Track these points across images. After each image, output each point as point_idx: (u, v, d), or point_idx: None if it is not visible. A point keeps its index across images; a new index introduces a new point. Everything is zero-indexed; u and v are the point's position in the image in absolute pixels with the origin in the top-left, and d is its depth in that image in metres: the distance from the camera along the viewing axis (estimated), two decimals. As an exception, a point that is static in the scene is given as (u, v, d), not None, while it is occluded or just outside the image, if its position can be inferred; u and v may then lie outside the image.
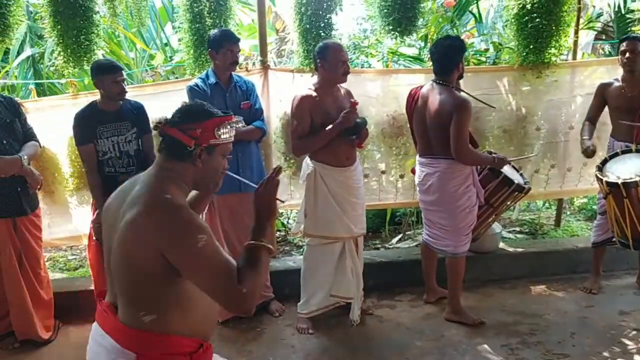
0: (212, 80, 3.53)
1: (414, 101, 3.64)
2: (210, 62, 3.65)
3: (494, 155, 3.57)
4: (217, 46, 3.46)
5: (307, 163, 3.58)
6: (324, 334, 3.64)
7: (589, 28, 6.84)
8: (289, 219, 5.13)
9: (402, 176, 4.41)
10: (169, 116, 1.79)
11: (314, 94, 3.44)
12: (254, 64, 4.54)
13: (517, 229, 4.96)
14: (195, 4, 3.81)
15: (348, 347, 3.52)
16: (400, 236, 4.86)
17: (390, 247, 4.71)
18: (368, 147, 4.26)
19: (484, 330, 3.63)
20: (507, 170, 3.73)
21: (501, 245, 4.47)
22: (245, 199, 3.66)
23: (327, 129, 3.37)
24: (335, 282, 3.63)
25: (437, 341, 3.53)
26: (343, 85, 3.57)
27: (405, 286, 4.22)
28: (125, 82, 3.46)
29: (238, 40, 3.55)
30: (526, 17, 4.08)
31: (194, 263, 1.62)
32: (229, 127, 1.80)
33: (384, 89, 4.31)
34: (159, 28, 6.31)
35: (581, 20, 6.91)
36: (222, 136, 1.78)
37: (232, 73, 3.63)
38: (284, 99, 4.06)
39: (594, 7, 7.30)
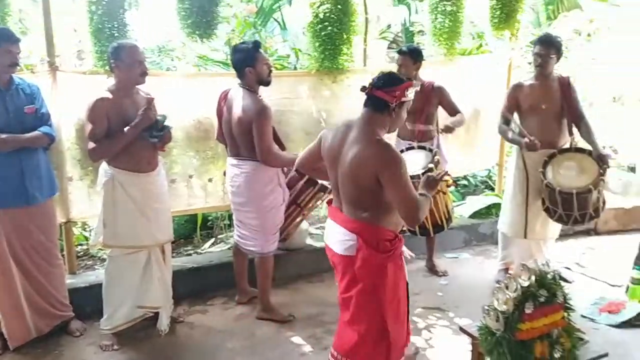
0: (-11, 82, 3.17)
1: (223, 104, 3.67)
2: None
3: (297, 154, 3.72)
4: (-7, 45, 3.12)
5: (105, 169, 3.39)
6: (131, 349, 3.47)
7: (382, 38, 7.49)
8: (90, 230, 4.81)
9: (210, 180, 4.39)
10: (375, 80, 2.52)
11: (110, 96, 3.29)
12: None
13: (324, 225, 5.22)
14: (-36, -2, 3.39)
15: (157, 358, 3.41)
16: (212, 240, 4.85)
17: (203, 252, 4.67)
18: (174, 151, 4.18)
19: (293, 324, 3.78)
20: None
21: (309, 241, 4.68)
22: (33, 213, 3.35)
23: (125, 129, 3.24)
24: (141, 293, 3.49)
25: (248, 340, 3.59)
26: (143, 88, 3.46)
27: (218, 290, 4.21)
28: None
29: (18, 40, 3.23)
30: (320, 25, 4.34)
31: (396, 183, 2.40)
32: (412, 89, 2.56)
33: (189, 92, 4.24)
34: None
35: (376, 31, 7.56)
36: (409, 95, 2.55)
37: (13, 75, 3.30)
38: (77, 102, 3.78)
39: (381, 17, 8.02)
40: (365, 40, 4.82)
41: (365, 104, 2.54)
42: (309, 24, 4.39)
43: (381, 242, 2.51)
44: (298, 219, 4.07)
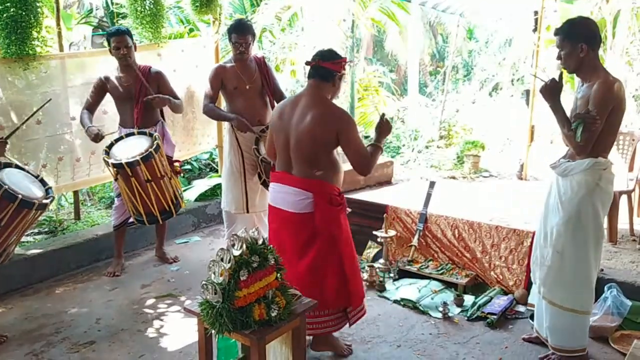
0: None
1: None
2: None
3: None
4: None
5: None
6: None
7: (86, 23, 6.98)
8: None
9: None
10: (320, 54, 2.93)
11: None
12: None
13: (36, 230, 4.71)
14: None
15: None
16: None
17: None
18: None
19: (7, 345, 3.33)
20: (16, 181, 3.37)
21: (18, 250, 4.14)
22: None
23: None
24: None
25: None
26: None
27: None
28: None
29: None
30: (0, 7, 3.83)
31: (353, 140, 2.83)
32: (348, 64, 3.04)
33: None
34: None
35: (79, 16, 7.02)
36: (346, 68, 2.97)
37: None
38: None
39: (91, 4, 7.49)
40: (58, 24, 4.40)
41: (312, 76, 2.90)
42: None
43: (332, 197, 2.89)
44: (9, 240, 3.48)
